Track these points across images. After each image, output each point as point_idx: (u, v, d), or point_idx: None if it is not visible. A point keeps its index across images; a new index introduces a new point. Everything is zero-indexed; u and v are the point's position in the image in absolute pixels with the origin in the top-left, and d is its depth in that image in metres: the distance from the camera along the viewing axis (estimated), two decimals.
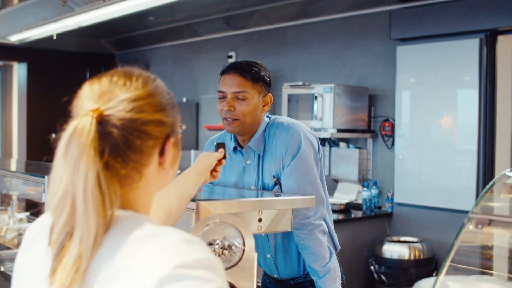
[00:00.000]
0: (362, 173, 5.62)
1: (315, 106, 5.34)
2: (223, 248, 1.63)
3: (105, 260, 0.97)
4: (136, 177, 1.07)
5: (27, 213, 4.00)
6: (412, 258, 4.82)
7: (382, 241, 5.01)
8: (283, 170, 2.44)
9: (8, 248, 3.31)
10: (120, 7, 5.50)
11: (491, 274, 2.11)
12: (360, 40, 5.80)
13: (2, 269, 2.90)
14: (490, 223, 1.69)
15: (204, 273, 0.94)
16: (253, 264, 1.65)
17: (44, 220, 1.14)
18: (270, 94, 2.51)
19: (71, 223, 0.99)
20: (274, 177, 2.46)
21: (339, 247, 2.65)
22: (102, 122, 1.02)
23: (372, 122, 5.67)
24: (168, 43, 8.10)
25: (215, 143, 2.10)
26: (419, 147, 5.20)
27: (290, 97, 5.61)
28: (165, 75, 8.17)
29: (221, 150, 2.04)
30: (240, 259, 1.64)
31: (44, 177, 2.54)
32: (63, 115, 1.08)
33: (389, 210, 5.36)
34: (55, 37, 7.22)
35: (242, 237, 1.65)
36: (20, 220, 3.85)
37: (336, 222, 4.94)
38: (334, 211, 5.18)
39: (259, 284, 2.78)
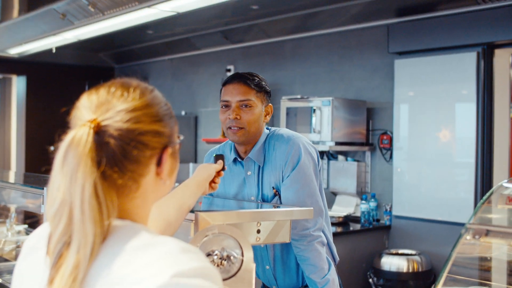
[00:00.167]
0: (360, 186, 5.63)
1: (314, 119, 5.35)
2: (221, 258, 1.63)
3: (103, 269, 0.98)
4: (134, 187, 1.08)
5: (26, 226, 4.00)
6: (410, 270, 4.82)
7: (380, 253, 5.01)
8: (282, 181, 2.45)
9: (6, 260, 3.31)
10: (119, 21, 5.53)
11: (489, 286, 2.12)
12: (358, 54, 5.83)
13: (0, 281, 2.90)
14: (487, 233, 1.69)
15: (201, 282, 0.95)
16: (251, 275, 1.66)
17: (43, 230, 1.15)
18: (270, 104, 2.54)
19: (69, 232, 1.00)
20: (273, 188, 2.47)
21: (338, 259, 2.65)
22: (99, 132, 1.03)
23: (370, 135, 5.68)
24: (167, 56, 8.13)
25: (214, 155, 2.11)
26: (417, 160, 5.22)
27: (289, 110, 5.63)
28: (164, 88, 8.19)
29: (220, 161, 2.05)
30: (239, 269, 1.64)
31: (43, 188, 2.54)
32: (62, 127, 1.09)
33: (388, 222, 5.36)
34: (54, 50, 7.25)
35: (241, 248, 1.66)
36: (18, 232, 3.84)
37: (334, 234, 4.92)
38: (332, 224, 5.18)
39: None
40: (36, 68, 8.55)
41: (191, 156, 7.61)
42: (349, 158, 5.77)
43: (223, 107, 2.46)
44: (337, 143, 5.35)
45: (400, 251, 5.04)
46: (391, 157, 5.47)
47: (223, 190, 2.61)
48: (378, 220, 5.42)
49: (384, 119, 5.59)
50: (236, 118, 2.41)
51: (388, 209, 5.36)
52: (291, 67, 6.46)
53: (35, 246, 1.12)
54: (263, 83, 2.49)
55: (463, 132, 4.92)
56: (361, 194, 5.58)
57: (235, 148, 2.57)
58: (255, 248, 2.59)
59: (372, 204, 5.35)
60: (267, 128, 2.57)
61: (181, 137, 1.20)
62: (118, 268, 0.97)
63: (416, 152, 5.23)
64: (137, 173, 1.07)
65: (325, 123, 5.32)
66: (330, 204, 5.70)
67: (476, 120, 4.85)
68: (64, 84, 8.43)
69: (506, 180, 2.07)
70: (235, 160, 2.57)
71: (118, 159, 1.04)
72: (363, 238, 5.23)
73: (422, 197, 5.16)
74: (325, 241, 2.48)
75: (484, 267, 2.00)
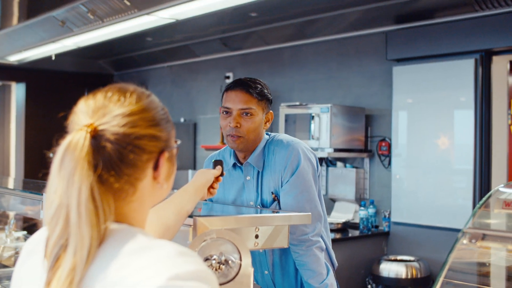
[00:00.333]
0: (359, 193, 5.64)
1: (312, 126, 5.37)
2: (220, 263, 1.64)
3: (100, 272, 0.99)
4: (131, 191, 1.09)
5: (25, 232, 4.00)
6: (409, 276, 4.82)
7: (379, 260, 5.01)
8: (281, 186, 2.46)
9: (5, 266, 3.31)
10: (118, 28, 5.55)
11: None
12: (356, 61, 5.85)
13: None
14: (484, 237, 1.70)
15: (197, 285, 0.96)
16: (249, 279, 1.67)
17: (41, 234, 1.15)
18: (271, 111, 2.55)
19: (66, 235, 1.01)
20: (272, 193, 2.48)
21: (336, 264, 2.66)
22: (96, 136, 1.04)
23: (368, 142, 5.70)
24: (166, 63, 8.15)
25: (213, 160, 2.12)
26: (416, 166, 5.23)
27: (287, 117, 5.64)
28: (163, 95, 8.21)
29: (219, 167, 2.06)
30: (237, 274, 1.65)
31: (42, 194, 2.55)
32: (61, 133, 1.10)
33: (386, 229, 5.37)
34: (53, 58, 7.26)
35: (239, 252, 1.67)
36: (17, 238, 3.85)
37: (333, 241, 4.91)
38: (331, 230, 5.17)
39: None
40: (35, 75, 8.57)
41: (190, 162, 7.62)
42: (347, 165, 5.78)
43: (224, 113, 2.47)
44: (336, 150, 5.36)
45: (399, 257, 5.04)
46: (389, 163, 5.48)
47: (222, 194, 2.62)
48: (376, 227, 5.42)
49: (382, 126, 5.61)
50: (237, 126, 2.42)
51: (387, 216, 5.36)
52: (290, 74, 6.48)
53: (34, 250, 1.13)
54: (265, 90, 2.50)
55: (461, 139, 4.93)
56: (360, 200, 5.59)
57: (234, 153, 2.58)
58: (253, 253, 2.60)
59: (371, 210, 5.36)
60: (266, 134, 2.58)
61: (178, 142, 1.21)
62: (115, 271, 0.98)
63: (415, 159, 5.24)
64: (134, 177, 1.08)
65: (323, 129, 5.33)
66: (329, 210, 5.70)
67: (474, 127, 4.86)
68: (64, 91, 8.44)
69: (502, 185, 2.08)
70: (234, 165, 2.58)
71: (115, 163, 1.05)
72: (362, 244, 5.24)
73: (420, 204, 5.17)
74: (324, 246, 2.49)
75: (481, 272, 2.01)
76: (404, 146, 5.32)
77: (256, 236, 1.93)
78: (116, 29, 5.60)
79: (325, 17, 5.60)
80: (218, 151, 2.72)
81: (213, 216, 1.83)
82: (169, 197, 1.78)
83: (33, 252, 1.13)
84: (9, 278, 3.04)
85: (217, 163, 2.07)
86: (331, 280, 2.44)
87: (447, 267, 1.80)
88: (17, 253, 3.55)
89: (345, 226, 5.38)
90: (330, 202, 5.79)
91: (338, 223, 5.32)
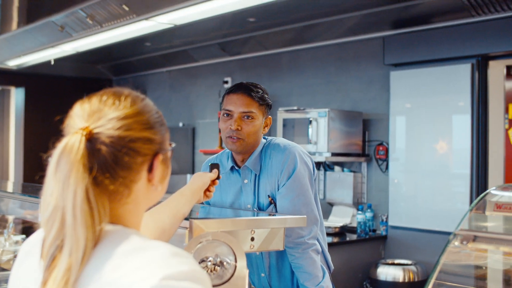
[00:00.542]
0: (356, 197, 5.66)
1: (310, 130, 5.39)
2: (215, 264, 1.66)
3: (95, 272, 1.01)
4: (125, 193, 1.11)
5: (23, 236, 4.01)
6: (406, 280, 4.83)
7: (376, 263, 5.03)
8: (278, 190, 2.49)
9: (4, 270, 3.32)
10: (117, 33, 5.58)
11: None
12: (354, 66, 5.87)
13: None
14: (475, 239, 1.72)
15: (190, 285, 0.97)
16: (244, 281, 1.68)
17: (39, 235, 1.16)
18: (270, 116, 2.58)
19: (61, 236, 1.03)
20: (269, 196, 2.51)
21: (332, 267, 2.68)
22: (91, 139, 1.06)
23: (366, 146, 5.72)
24: (165, 68, 8.17)
25: (210, 164, 2.14)
26: (413, 170, 5.25)
27: (286, 122, 5.67)
28: (161, 100, 8.23)
29: (215, 170, 2.07)
30: (232, 275, 1.66)
31: (40, 198, 2.55)
32: (57, 136, 1.12)
33: (384, 233, 5.39)
34: (52, 62, 7.29)
35: (234, 254, 1.68)
36: (16, 242, 3.86)
37: (331, 245, 4.96)
38: (329, 234, 5.21)
39: None
40: (34, 80, 8.58)
41: (189, 167, 7.64)
42: (345, 169, 5.80)
43: (225, 115, 2.50)
44: (334, 154, 5.38)
45: (396, 261, 5.06)
46: (387, 168, 5.50)
47: (220, 198, 2.64)
48: (374, 231, 5.44)
49: (380, 130, 5.63)
50: (238, 129, 2.45)
51: (384, 220, 5.38)
52: (288, 79, 6.51)
53: (31, 251, 1.15)
54: (266, 95, 2.53)
55: (458, 143, 4.95)
56: (358, 204, 5.61)
57: (232, 156, 2.60)
58: (250, 256, 2.62)
59: (369, 214, 5.37)
60: (263, 137, 2.60)
61: (173, 145, 1.23)
62: (109, 272, 0.99)
63: (412, 163, 5.26)
64: (129, 179, 1.10)
65: (321, 134, 5.35)
66: (327, 214, 5.72)
67: (471, 131, 4.88)
68: (63, 96, 8.44)
69: (494, 187, 2.10)
70: (232, 169, 2.61)
71: (110, 166, 1.07)
72: (360, 248, 5.25)
73: (418, 208, 5.19)
74: (320, 249, 2.51)
75: (472, 273, 2.03)
76: (402, 151, 5.34)
77: (252, 239, 1.95)
78: (114, 34, 5.63)
79: (323, 22, 5.63)
80: (216, 155, 2.74)
81: (209, 219, 1.85)
82: (166, 200, 1.79)
83: (30, 253, 1.15)
84: (7, 281, 3.05)
85: (214, 166, 2.09)
86: (327, 283, 2.46)
87: (438, 268, 1.82)
88: (15, 256, 3.56)
89: (343, 230, 5.40)
90: (328, 206, 5.81)
91: (336, 227, 5.34)
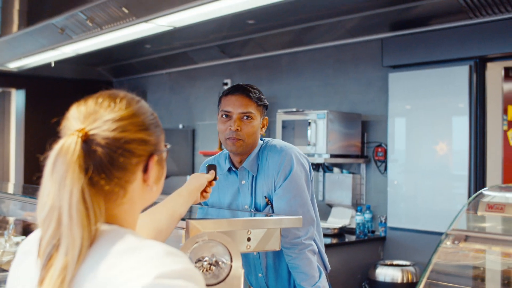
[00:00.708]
0: (355, 198, 5.68)
1: (309, 132, 5.41)
2: (211, 264, 1.68)
3: (90, 271, 1.03)
4: (121, 193, 1.13)
5: (24, 237, 4.03)
6: (405, 281, 4.85)
7: (375, 264, 5.05)
8: (275, 191, 2.51)
9: (4, 271, 3.34)
10: (116, 35, 5.60)
11: None
12: (352, 67, 5.90)
13: None
14: (466, 239, 1.74)
15: (184, 283, 0.99)
16: (240, 281, 1.70)
17: (37, 235, 1.18)
18: (266, 117, 2.61)
19: (58, 235, 1.05)
20: (265, 197, 2.53)
21: (329, 267, 2.70)
22: (87, 141, 1.08)
23: (365, 148, 5.74)
24: (165, 70, 8.19)
25: (207, 165, 2.17)
26: (411, 172, 5.27)
27: (284, 123, 5.69)
28: (161, 102, 8.26)
29: (212, 171, 2.09)
30: (228, 275, 1.69)
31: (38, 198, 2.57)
32: (54, 138, 1.14)
33: (382, 234, 5.41)
34: (53, 64, 7.31)
35: (230, 254, 1.71)
36: (17, 243, 3.88)
37: (330, 246, 4.98)
38: (328, 236, 5.23)
39: None
40: (35, 82, 8.61)
41: (189, 168, 7.66)
42: (344, 171, 5.82)
43: (224, 116, 2.52)
44: (332, 156, 5.40)
45: (395, 262, 5.07)
46: (385, 169, 5.52)
47: (218, 199, 2.67)
48: (373, 232, 5.46)
49: (378, 132, 5.65)
50: (237, 129, 2.47)
51: (383, 221, 5.40)
52: (287, 81, 6.53)
53: (30, 250, 1.17)
54: (262, 96, 2.57)
55: (456, 144, 4.97)
56: (356, 206, 5.63)
57: (229, 158, 2.63)
58: (248, 256, 2.64)
59: (367, 215, 5.39)
60: (260, 139, 2.63)
61: (168, 146, 1.25)
62: (104, 271, 1.02)
63: (411, 164, 5.28)
64: (124, 179, 1.12)
65: (320, 135, 5.37)
66: (326, 216, 5.74)
67: (469, 133, 4.90)
68: (63, 98, 8.39)
69: (486, 188, 2.13)
70: (229, 170, 2.63)
71: (105, 166, 1.09)
72: (358, 249, 5.27)
73: (416, 209, 5.21)
74: (316, 249, 2.53)
75: (463, 273, 2.05)
76: (400, 152, 5.36)
77: (248, 239, 1.97)
78: (114, 37, 5.66)
79: (322, 24, 5.65)
80: (214, 156, 2.77)
81: (205, 219, 1.87)
82: (163, 201, 1.82)
83: (29, 253, 1.17)
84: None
85: (211, 167, 2.11)
86: (323, 283, 2.48)
87: (430, 268, 1.84)
88: None
89: (342, 231, 5.42)
90: (327, 208, 5.83)
91: (334, 228, 5.36)
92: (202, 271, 1.66)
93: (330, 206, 5.84)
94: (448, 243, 1.80)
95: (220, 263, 1.68)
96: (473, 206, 2.01)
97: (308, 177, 2.58)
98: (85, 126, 1.10)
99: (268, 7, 4.63)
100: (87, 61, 8.14)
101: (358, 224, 5.34)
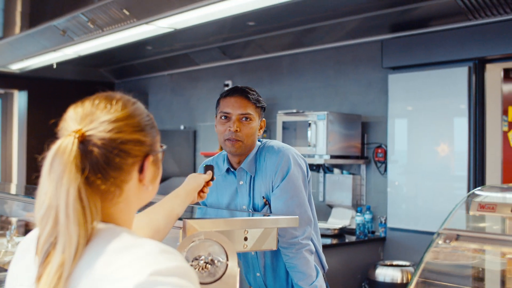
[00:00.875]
0: (355, 199, 5.70)
1: (309, 133, 5.43)
2: (207, 263, 1.70)
3: (86, 268, 1.06)
4: (117, 193, 1.16)
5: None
6: (404, 281, 4.87)
7: (375, 265, 5.06)
8: (272, 191, 2.54)
9: (6, 271, 3.37)
10: (118, 37, 5.62)
11: None
12: (352, 69, 5.92)
13: None
14: (458, 238, 1.77)
15: (178, 280, 1.02)
16: (235, 279, 1.73)
17: (35, 233, 1.20)
18: (264, 119, 2.64)
19: (55, 233, 1.08)
20: (263, 197, 2.56)
21: (326, 267, 2.73)
22: (84, 141, 1.11)
23: (365, 149, 5.76)
24: (166, 72, 8.22)
25: (204, 166, 2.19)
26: (411, 172, 5.29)
27: (285, 125, 5.71)
28: (163, 103, 8.29)
29: (209, 172, 2.12)
30: (223, 274, 1.71)
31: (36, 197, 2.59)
32: (52, 139, 1.17)
33: (382, 234, 5.43)
34: (55, 66, 7.33)
35: (226, 253, 1.73)
36: (18, 244, 3.90)
37: (330, 246, 5.00)
38: (328, 236, 5.25)
39: None
40: (37, 83, 8.63)
41: (190, 169, 7.68)
42: (344, 171, 5.84)
43: (223, 118, 2.55)
44: (332, 157, 5.42)
45: (395, 263, 5.09)
46: (385, 170, 5.54)
47: (216, 199, 2.70)
48: (373, 232, 5.47)
49: (378, 133, 5.67)
50: (236, 131, 2.50)
51: (383, 221, 5.42)
52: (288, 82, 6.55)
53: (28, 248, 1.20)
54: (260, 98, 2.61)
55: (455, 145, 4.98)
56: (357, 206, 5.65)
57: (228, 158, 2.66)
58: (246, 256, 2.67)
59: (367, 216, 5.41)
60: (258, 140, 2.66)
61: (164, 147, 1.28)
62: (100, 268, 1.05)
63: (410, 165, 5.30)
64: (120, 179, 1.15)
65: (320, 136, 5.39)
66: (326, 216, 5.76)
67: (468, 134, 4.92)
68: (65, 99, 8.35)
69: (479, 188, 2.15)
70: (228, 170, 2.66)
71: (101, 166, 1.12)
72: (358, 249, 5.29)
73: (416, 210, 5.23)
74: (314, 249, 2.56)
75: (455, 271, 2.08)
76: (400, 153, 5.38)
77: (245, 239, 1.99)
78: (115, 38, 5.68)
79: (323, 26, 5.67)
80: (212, 157, 2.80)
81: (202, 219, 1.90)
82: (160, 201, 1.84)
83: (27, 251, 1.20)
84: None
85: (208, 168, 2.14)
86: (320, 282, 2.51)
87: (421, 267, 1.86)
88: None
89: (342, 232, 5.44)
90: (327, 208, 5.85)
91: (335, 229, 5.38)
92: (198, 269, 1.69)
93: (330, 206, 5.86)
94: (440, 242, 1.82)
95: (216, 261, 1.71)
96: (466, 205, 2.04)
97: (305, 177, 2.61)
98: (82, 127, 1.13)
99: (268, 9, 4.65)
100: (89, 63, 8.17)
101: (358, 224, 5.36)
